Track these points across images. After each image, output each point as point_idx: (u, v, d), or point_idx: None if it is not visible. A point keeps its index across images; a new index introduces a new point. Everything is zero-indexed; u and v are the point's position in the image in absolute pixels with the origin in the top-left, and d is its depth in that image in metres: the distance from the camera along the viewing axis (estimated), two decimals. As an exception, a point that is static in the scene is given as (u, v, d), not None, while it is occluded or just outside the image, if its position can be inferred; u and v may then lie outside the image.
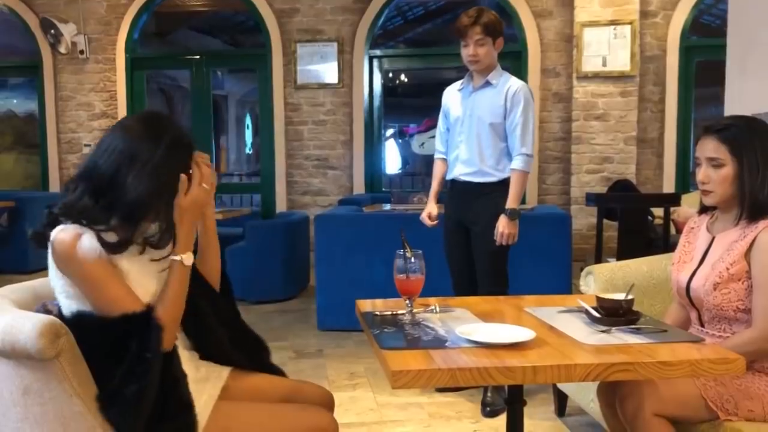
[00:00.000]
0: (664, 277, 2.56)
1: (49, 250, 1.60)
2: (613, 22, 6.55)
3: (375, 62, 7.47)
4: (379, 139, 7.69)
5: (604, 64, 6.60)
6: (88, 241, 1.56)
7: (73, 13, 7.51)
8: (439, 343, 1.64)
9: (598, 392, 2.14)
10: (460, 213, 3.30)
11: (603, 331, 1.72)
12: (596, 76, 6.63)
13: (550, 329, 1.77)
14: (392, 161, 15.53)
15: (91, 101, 7.68)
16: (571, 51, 6.78)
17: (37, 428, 1.52)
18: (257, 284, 5.33)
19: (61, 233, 1.57)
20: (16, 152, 10.23)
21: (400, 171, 16.13)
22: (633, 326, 1.74)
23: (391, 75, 12.03)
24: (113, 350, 1.54)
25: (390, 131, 15.95)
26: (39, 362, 1.48)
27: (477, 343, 1.60)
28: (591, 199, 5.32)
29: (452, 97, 3.38)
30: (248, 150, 17.08)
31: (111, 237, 1.60)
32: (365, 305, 2.05)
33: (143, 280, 1.64)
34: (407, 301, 1.88)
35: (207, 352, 1.83)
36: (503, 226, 3.13)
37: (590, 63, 6.61)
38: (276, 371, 1.97)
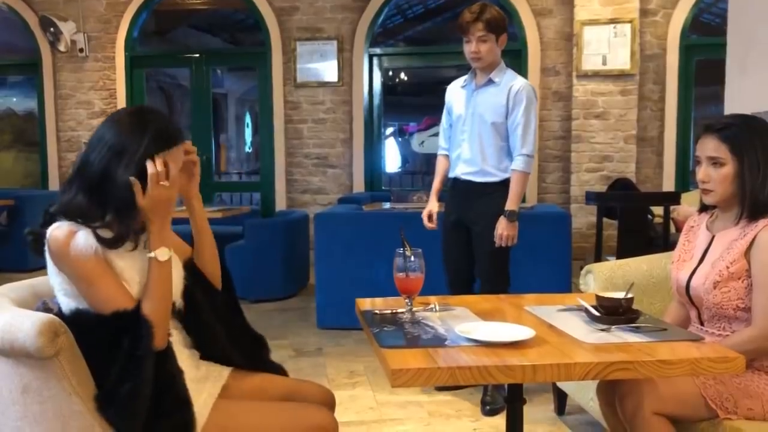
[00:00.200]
0: (663, 275, 2.56)
1: (46, 249, 1.61)
2: (613, 21, 6.55)
3: (375, 60, 7.46)
4: (378, 138, 7.69)
5: (604, 63, 6.59)
6: (83, 239, 1.56)
7: (73, 11, 7.51)
8: (438, 341, 1.64)
9: (597, 391, 2.14)
10: (462, 212, 3.28)
11: (603, 330, 1.72)
12: (596, 75, 6.62)
13: (550, 328, 1.77)
14: (392, 160, 15.53)
15: (90, 99, 7.68)
16: (571, 49, 6.78)
17: (36, 427, 1.52)
18: (257, 283, 5.33)
19: (56, 231, 1.58)
20: (15, 150, 10.23)
21: (399, 169, 16.13)
22: (632, 325, 1.74)
23: (390, 73, 12.03)
24: (109, 348, 1.54)
25: (390, 130, 15.95)
26: (38, 361, 1.48)
27: (477, 341, 1.60)
28: (591, 197, 5.32)
29: (455, 93, 3.35)
30: (248, 148, 17.07)
31: (107, 233, 1.60)
32: (365, 304, 2.05)
33: (138, 276, 1.64)
34: (407, 300, 1.87)
35: (205, 349, 1.83)
36: (502, 228, 3.11)
37: (590, 61, 6.60)
38: (276, 369, 1.97)
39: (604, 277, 2.61)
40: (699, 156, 2.05)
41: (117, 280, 1.60)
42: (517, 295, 2.25)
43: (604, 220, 5.13)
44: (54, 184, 7.80)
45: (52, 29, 7.40)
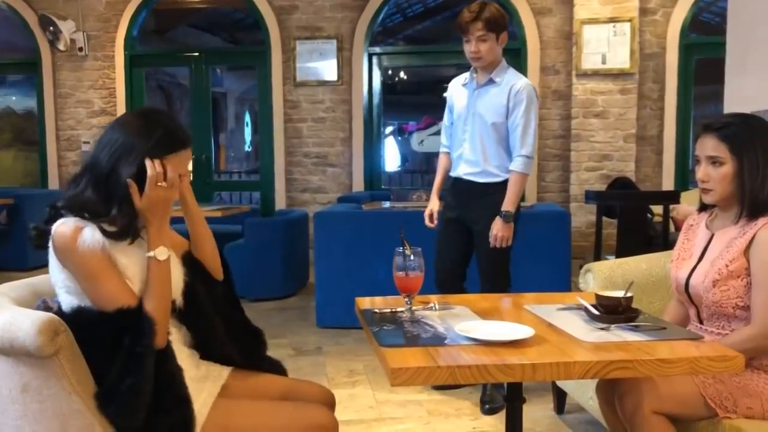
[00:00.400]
0: (663, 274, 2.56)
1: (50, 244, 1.61)
2: (613, 20, 6.55)
3: (374, 59, 7.46)
4: (378, 137, 7.69)
5: (604, 62, 6.59)
6: (90, 234, 1.58)
7: (72, 10, 7.50)
8: (438, 340, 1.64)
9: (597, 389, 2.14)
10: (462, 212, 3.26)
11: (602, 329, 1.72)
12: (596, 74, 6.62)
13: (549, 327, 1.77)
14: (391, 159, 15.52)
15: (90, 98, 7.68)
16: (570, 48, 6.78)
17: (36, 425, 1.52)
18: (256, 281, 5.33)
19: (62, 226, 1.59)
20: (15, 149, 10.23)
21: (399, 168, 16.12)
22: (632, 324, 1.74)
23: (390, 72, 12.03)
24: (110, 346, 1.54)
25: (389, 128, 15.95)
26: (38, 359, 1.48)
27: (476, 340, 1.60)
28: (590, 196, 5.32)
29: (457, 91, 3.32)
30: (247, 147, 17.07)
31: (112, 227, 1.62)
32: (364, 303, 2.05)
33: (141, 273, 1.65)
34: (406, 299, 1.87)
35: (204, 345, 1.83)
36: (497, 229, 3.09)
37: (590, 60, 6.60)
38: (275, 365, 1.97)
39: (604, 276, 2.61)
40: (698, 155, 2.05)
41: (120, 278, 1.61)
42: (517, 294, 2.25)
43: (604, 218, 5.13)
44: (53, 183, 7.80)
45: (51, 28, 7.40)
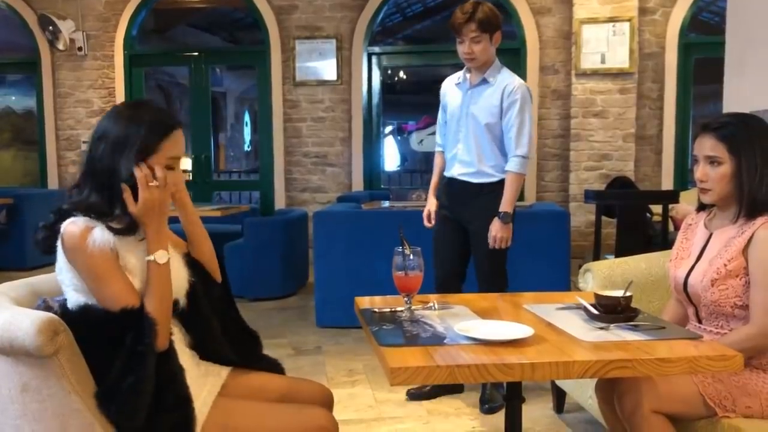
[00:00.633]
0: (662, 274, 2.57)
1: (59, 243, 1.62)
2: (612, 19, 6.55)
3: (374, 59, 7.46)
4: (377, 136, 7.69)
5: (603, 61, 6.59)
6: (99, 234, 1.59)
7: (72, 9, 7.50)
8: (437, 340, 1.64)
9: (596, 389, 2.15)
10: (458, 212, 3.25)
11: (601, 328, 1.72)
12: (595, 74, 6.62)
13: (549, 326, 1.77)
14: (391, 158, 15.52)
15: (89, 98, 7.67)
16: (569, 48, 6.78)
17: (35, 425, 1.52)
18: (256, 281, 5.33)
19: (71, 226, 1.60)
20: (14, 149, 10.23)
21: (398, 168, 16.12)
22: (631, 323, 1.75)
23: (389, 72, 12.02)
24: (113, 345, 1.54)
25: (389, 128, 15.94)
26: (37, 359, 1.48)
27: (475, 340, 1.61)
28: (590, 196, 5.32)
29: (450, 90, 3.31)
30: (247, 147, 17.07)
31: (119, 225, 1.63)
32: (364, 302, 2.05)
33: (146, 271, 1.65)
34: (406, 298, 1.88)
35: (202, 345, 1.83)
36: (496, 230, 3.08)
37: (589, 60, 6.61)
38: (273, 364, 1.97)
39: (603, 276, 2.62)
40: (697, 155, 2.05)
41: (126, 278, 1.61)
42: (516, 294, 2.25)
43: (603, 218, 5.14)
44: (53, 182, 7.80)
45: (50, 28, 7.39)
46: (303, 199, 7.45)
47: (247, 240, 5.41)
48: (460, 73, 3.28)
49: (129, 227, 1.64)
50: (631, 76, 6.61)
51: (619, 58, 6.57)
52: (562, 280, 4.35)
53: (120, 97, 7.59)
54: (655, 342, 1.63)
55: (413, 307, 1.89)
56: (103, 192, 1.64)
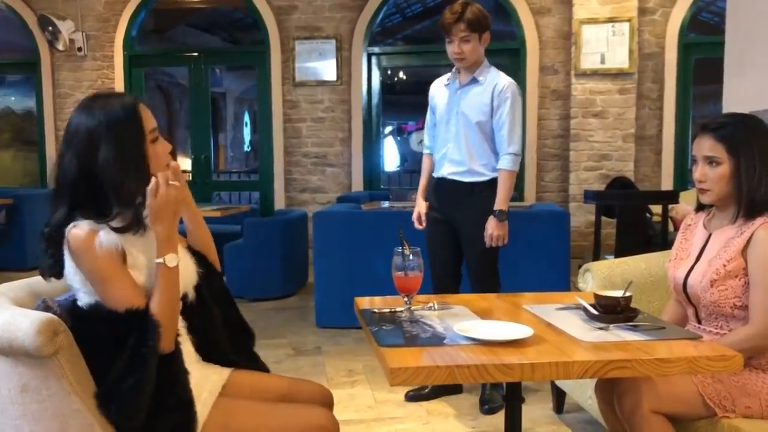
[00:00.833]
0: (661, 274, 2.57)
1: (65, 248, 1.61)
2: (612, 20, 6.55)
3: (373, 59, 7.46)
4: (377, 137, 7.69)
5: (603, 62, 6.59)
6: (105, 237, 1.58)
7: (71, 10, 7.50)
8: (437, 340, 1.64)
9: (596, 389, 2.15)
10: (449, 213, 3.23)
11: (601, 329, 1.72)
12: (595, 74, 6.62)
13: (548, 326, 1.77)
14: (391, 158, 15.54)
15: (89, 98, 7.66)
16: (569, 48, 6.78)
17: (35, 425, 1.52)
18: (255, 281, 5.33)
19: (75, 230, 1.59)
20: (14, 149, 10.23)
21: (398, 168, 16.14)
22: (631, 323, 1.75)
23: (389, 72, 12.04)
24: (117, 345, 1.54)
25: (388, 128, 15.95)
26: (37, 360, 1.48)
27: (475, 340, 1.61)
28: (589, 196, 5.32)
29: (439, 91, 3.31)
30: (246, 147, 17.08)
31: (121, 224, 1.62)
32: (364, 302, 2.05)
33: (150, 263, 1.65)
34: (405, 299, 1.88)
35: (204, 337, 1.83)
36: (492, 228, 3.07)
37: (589, 60, 6.60)
38: (258, 362, 1.98)
39: (603, 276, 2.62)
40: (695, 155, 2.06)
41: (131, 280, 1.61)
42: (516, 294, 2.25)
43: (603, 218, 5.13)
44: (52, 183, 7.78)
45: (50, 28, 7.39)
46: (303, 199, 7.45)
47: (246, 240, 5.41)
48: (448, 75, 3.30)
49: (133, 223, 1.62)
50: (631, 76, 6.61)
51: (619, 58, 6.57)
52: (561, 281, 4.35)
53: (120, 97, 7.58)
54: (655, 342, 1.63)
55: (413, 308, 1.89)
56: (92, 195, 1.62)
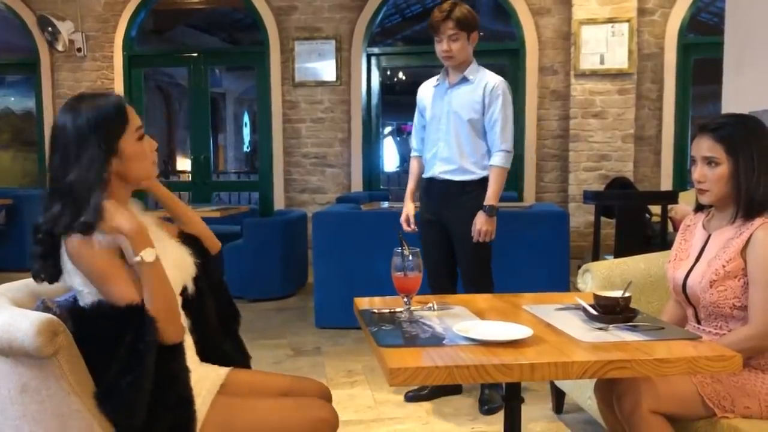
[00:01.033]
0: (661, 274, 2.57)
1: (63, 253, 1.60)
2: (611, 20, 6.55)
3: (373, 60, 7.46)
4: (377, 137, 7.69)
5: (602, 62, 6.59)
6: (102, 235, 1.57)
7: (71, 10, 7.50)
8: (436, 340, 1.64)
9: (595, 389, 2.15)
10: (439, 213, 3.24)
11: (600, 329, 1.72)
12: (594, 74, 6.63)
13: (548, 327, 1.77)
14: (390, 159, 15.54)
15: (88, 99, 7.65)
16: (569, 49, 6.78)
17: (35, 426, 1.52)
18: (255, 282, 5.33)
19: (72, 239, 1.58)
20: (13, 150, 10.23)
21: (398, 169, 16.14)
22: (630, 324, 1.75)
23: (389, 73, 12.04)
24: (117, 343, 1.54)
25: (388, 129, 15.96)
26: (37, 360, 1.48)
27: (474, 340, 1.61)
28: (589, 196, 5.33)
29: (428, 93, 3.32)
30: (246, 148, 17.08)
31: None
32: (363, 303, 2.05)
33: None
34: (405, 299, 1.88)
35: (203, 338, 1.83)
36: (480, 223, 3.08)
37: (588, 61, 6.61)
38: (241, 346, 1.99)
39: (602, 276, 2.62)
40: (694, 156, 2.06)
41: (128, 276, 1.59)
42: (515, 294, 2.25)
43: (602, 219, 5.14)
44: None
45: (50, 29, 7.39)
46: (302, 199, 7.45)
47: (246, 241, 5.41)
48: (437, 76, 3.31)
49: (90, 222, 1.56)
50: (630, 76, 6.61)
51: (618, 58, 6.57)
52: (561, 281, 4.36)
53: (119, 97, 7.58)
54: (654, 342, 1.63)
55: (412, 308, 1.89)
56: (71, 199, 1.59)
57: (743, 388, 1.91)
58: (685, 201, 4.99)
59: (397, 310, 1.91)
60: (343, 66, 7.28)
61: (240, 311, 2.00)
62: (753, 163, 1.96)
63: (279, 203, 7.47)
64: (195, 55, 7.89)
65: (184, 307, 1.75)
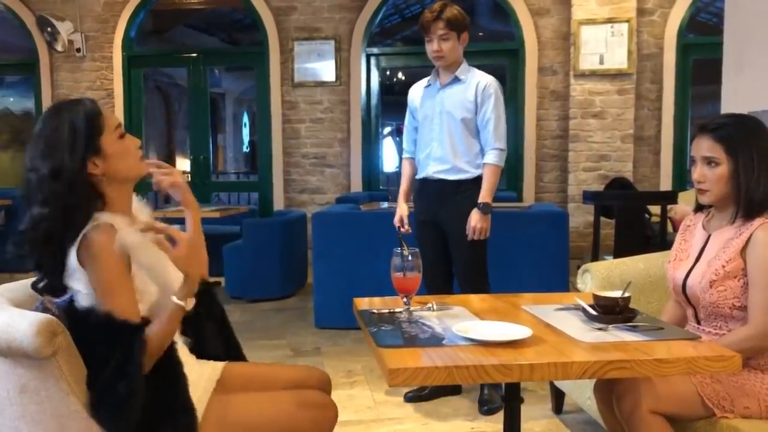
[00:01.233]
0: (660, 274, 2.57)
1: (74, 251, 1.59)
2: (611, 20, 6.55)
3: (372, 60, 7.46)
4: (376, 137, 7.69)
5: (602, 62, 6.59)
6: (128, 237, 1.58)
7: (70, 11, 7.49)
8: (436, 341, 1.64)
9: (595, 389, 2.15)
10: (434, 213, 3.23)
11: (600, 329, 1.72)
12: (593, 74, 6.62)
13: (547, 327, 1.77)
14: (390, 159, 15.52)
15: (88, 99, 7.65)
16: (568, 49, 6.78)
17: (34, 426, 1.52)
18: (255, 282, 5.33)
19: (93, 232, 1.57)
20: (12, 150, 10.23)
21: (397, 169, 16.11)
22: (629, 324, 1.75)
23: (388, 73, 12.02)
24: (107, 353, 1.52)
25: (387, 129, 15.95)
26: (36, 361, 1.48)
27: (474, 340, 1.61)
28: (588, 196, 5.33)
29: (419, 94, 3.33)
30: (245, 148, 17.08)
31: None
32: (362, 303, 2.05)
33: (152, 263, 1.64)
34: (404, 299, 1.88)
35: (199, 337, 1.83)
36: (475, 221, 3.08)
37: (587, 61, 6.61)
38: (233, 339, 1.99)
39: (602, 276, 2.62)
40: (694, 156, 2.06)
41: (132, 293, 1.59)
42: (515, 294, 2.25)
43: (602, 219, 5.14)
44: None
45: (49, 29, 7.39)
46: (302, 200, 7.45)
47: (246, 241, 5.41)
48: (427, 78, 3.32)
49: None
50: (630, 76, 6.61)
51: (618, 59, 6.57)
52: (560, 281, 4.36)
53: (118, 98, 7.58)
54: (654, 342, 1.63)
55: (412, 308, 1.89)
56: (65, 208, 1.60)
57: (743, 389, 1.91)
58: (685, 201, 4.99)
59: (397, 310, 1.91)
60: (343, 66, 7.27)
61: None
62: (753, 163, 1.96)
63: (278, 203, 7.46)
64: (194, 55, 7.89)
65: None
